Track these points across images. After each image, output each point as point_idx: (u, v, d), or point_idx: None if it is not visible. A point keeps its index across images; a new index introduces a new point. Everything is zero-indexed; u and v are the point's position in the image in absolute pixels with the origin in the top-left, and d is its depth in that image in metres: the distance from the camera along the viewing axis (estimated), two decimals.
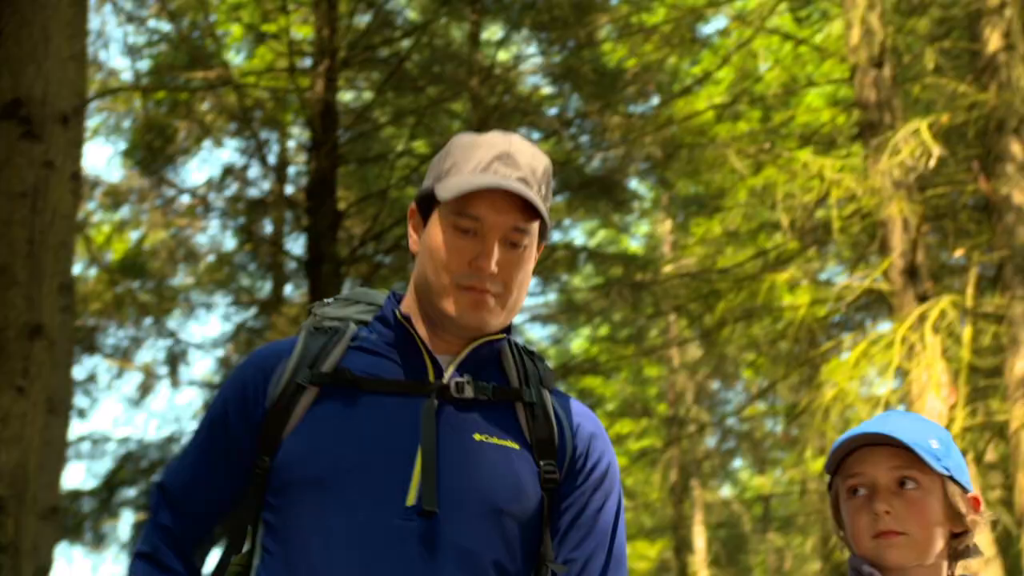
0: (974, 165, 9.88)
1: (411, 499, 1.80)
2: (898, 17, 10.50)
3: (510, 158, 1.94)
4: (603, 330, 15.11)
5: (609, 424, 16.51)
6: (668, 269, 13.81)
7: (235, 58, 12.43)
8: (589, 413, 2.04)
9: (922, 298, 10.09)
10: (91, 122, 11.82)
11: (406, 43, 11.61)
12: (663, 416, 16.53)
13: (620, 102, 12.67)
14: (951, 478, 2.07)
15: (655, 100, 13.38)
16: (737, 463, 18.40)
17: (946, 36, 10.23)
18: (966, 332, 9.74)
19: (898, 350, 9.85)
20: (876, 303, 11.92)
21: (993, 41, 9.46)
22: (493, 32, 13.26)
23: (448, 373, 1.93)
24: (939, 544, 2.05)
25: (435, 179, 1.97)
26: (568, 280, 14.94)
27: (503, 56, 13.14)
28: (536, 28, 12.54)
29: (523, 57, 13.23)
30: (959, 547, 2.09)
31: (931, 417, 9.47)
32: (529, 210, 1.94)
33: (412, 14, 12.32)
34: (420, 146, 11.87)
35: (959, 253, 10.26)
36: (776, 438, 16.14)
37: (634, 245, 17.46)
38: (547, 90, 13.25)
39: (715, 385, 17.12)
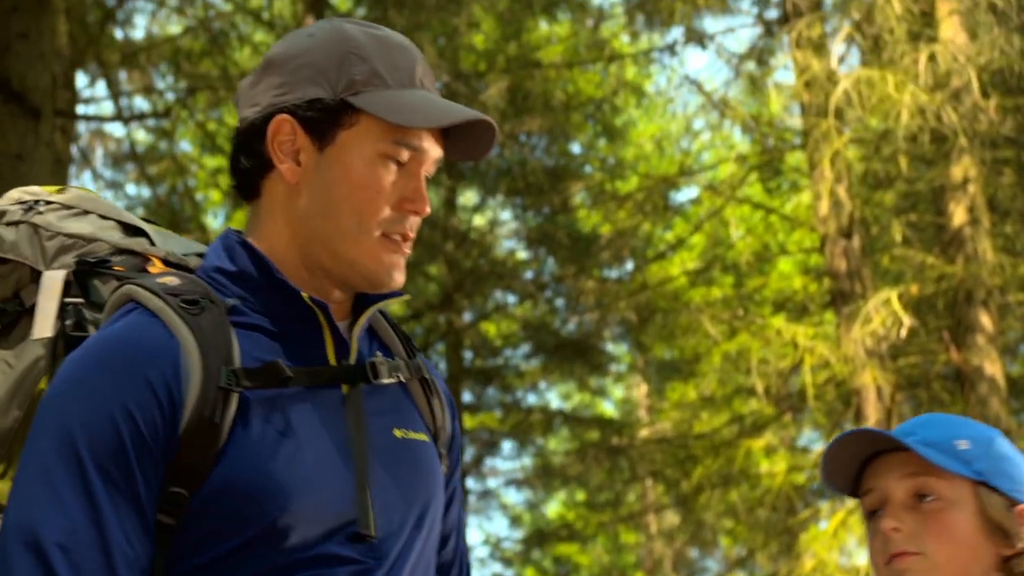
0: (945, 336, 9.97)
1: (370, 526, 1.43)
2: (865, 190, 10.74)
3: (426, 68, 1.57)
4: (579, 495, 14.91)
5: None
6: (644, 433, 13.74)
7: (214, 222, 12.56)
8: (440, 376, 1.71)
9: None
10: None
11: None
12: None
13: (595, 267, 12.83)
14: (986, 484, 1.67)
15: (629, 265, 13.56)
16: None
17: (912, 209, 10.45)
18: None
19: None
20: None
21: (958, 215, 9.66)
22: (469, 198, 13.49)
23: (354, 350, 1.52)
24: (974, 568, 1.66)
25: (345, 88, 1.50)
26: (544, 444, 14.81)
27: (479, 221, 13.35)
28: (512, 194, 12.78)
29: (499, 222, 13.44)
30: (1016, 570, 1.67)
31: None
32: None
33: None
34: (397, 309, 11.92)
35: None
36: None
37: (609, 409, 17.41)
38: (523, 254, 13.42)
39: (693, 553, 16.82)
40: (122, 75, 9.82)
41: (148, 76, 9.94)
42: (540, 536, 14.39)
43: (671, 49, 11.75)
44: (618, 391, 17.47)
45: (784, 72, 12.72)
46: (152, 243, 1.65)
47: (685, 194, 21.64)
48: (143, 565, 1.37)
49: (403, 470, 1.50)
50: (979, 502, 1.67)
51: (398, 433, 1.52)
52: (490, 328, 13.81)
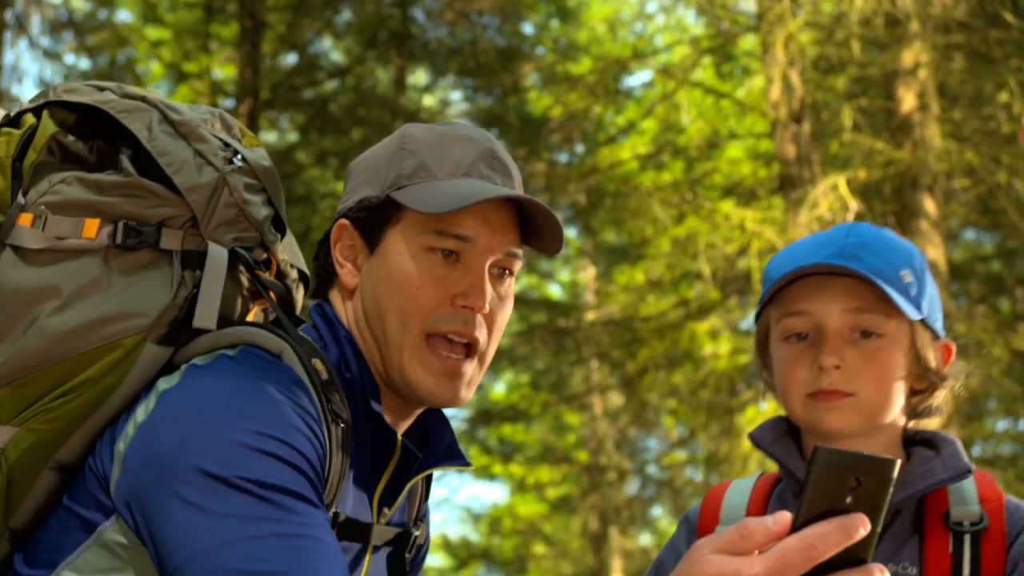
0: (890, 220, 10.08)
1: None
2: (817, 75, 10.71)
3: (496, 159, 1.47)
4: (524, 377, 15.07)
5: (528, 470, 16.46)
6: (591, 316, 13.83)
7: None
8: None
9: None
10: None
11: (331, 85, 11.55)
12: (583, 464, 16.50)
13: (545, 149, 12.74)
14: (924, 323, 1.59)
15: (580, 148, 13.49)
16: (657, 511, 18.44)
17: (863, 95, 10.45)
18: None
19: None
20: None
21: (908, 101, 9.68)
22: (419, 77, 13.27)
23: (396, 506, 1.47)
24: (895, 408, 1.60)
25: (391, 184, 1.45)
26: None
27: (429, 101, 13.17)
28: (462, 74, 12.59)
29: (449, 102, 13.27)
30: (919, 407, 1.64)
31: None
32: (521, 228, 1.46)
33: (337, 56, 12.28)
34: (344, 188, 11.80)
35: None
36: (696, 486, 16.19)
37: (556, 292, 17.52)
38: None
39: (636, 433, 17.16)
40: None
41: None
42: (485, 416, 14.56)
43: None
44: (566, 274, 17.55)
45: None
46: (282, 237, 1.56)
47: (637, 78, 21.59)
48: None
49: None
50: (913, 339, 1.60)
51: None
52: None
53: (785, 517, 1.02)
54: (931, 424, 1.79)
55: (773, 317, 1.64)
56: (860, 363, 1.57)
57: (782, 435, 1.66)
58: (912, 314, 1.57)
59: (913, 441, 1.66)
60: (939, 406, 1.66)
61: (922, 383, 1.63)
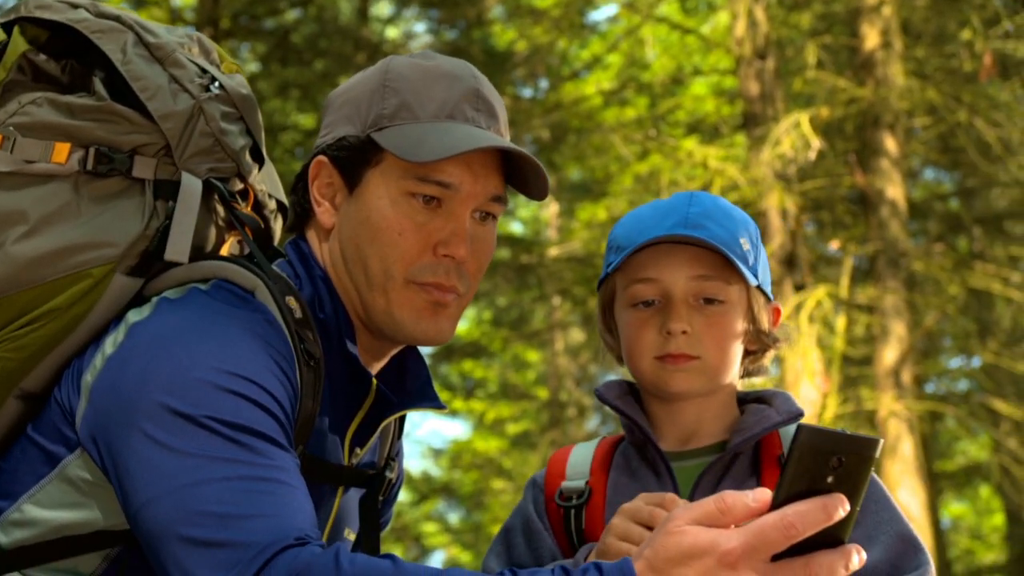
0: (851, 159, 10.12)
1: None
2: (782, 11, 10.67)
3: (481, 98, 1.45)
4: (487, 314, 15.09)
5: (489, 406, 16.56)
6: (553, 253, 13.84)
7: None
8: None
9: (799, 288, 10.29)
10: None
11: (292, 15, 11.38)
12: (543, 400, 16.62)
13: (509, 84, 12.65)
14: (759, 288, 1.70)
15: (544, 83, 13.40)
16: None
17: (827, 32, 10.43)
18: (840, 322, 9.98)
19: None
20: None
21: (871, 38, 9.68)
22: (382, 8, 13.11)
23: (367, 447, 1.47)
24: (735, 369, 1.70)
25: (372, 124, 1.43)
26: None
27: (392, 33, 13.02)
28: (426, 6, 12.44)
29: (412, 35, 13.12)
30: (751, 367, 1.76)
31: (805, 405, 9.69)
32: (505, 169, 1.45)
33: None
34: (305, 120, 11.66)
35: (835, 245, 10.50)
36: None
37: (518, 229, 17.51)
38: None
39: (596, 369, 17.27)
40: None
41: None
42: (447, 352, 14.60)
43: None
44: (528, 210, 17.52)
45: None
46: (260, 167, 1.54)
47: (602, 12, 21.47)
48: None
49: None
50: (750, 304, 1.70)
51: (348, 534, 1.50)
52: None
53: (765, 494, 1.02)
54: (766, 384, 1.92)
55: (620, 284, 1.70)
56: (705, 328, 1.65)
57: (624, 394, 1.76)
58: (751, 280, 1.66)
59: (747, 400, 1.76)
60: (767, 366, 1.78)
61: (755, 344, 1.73)
